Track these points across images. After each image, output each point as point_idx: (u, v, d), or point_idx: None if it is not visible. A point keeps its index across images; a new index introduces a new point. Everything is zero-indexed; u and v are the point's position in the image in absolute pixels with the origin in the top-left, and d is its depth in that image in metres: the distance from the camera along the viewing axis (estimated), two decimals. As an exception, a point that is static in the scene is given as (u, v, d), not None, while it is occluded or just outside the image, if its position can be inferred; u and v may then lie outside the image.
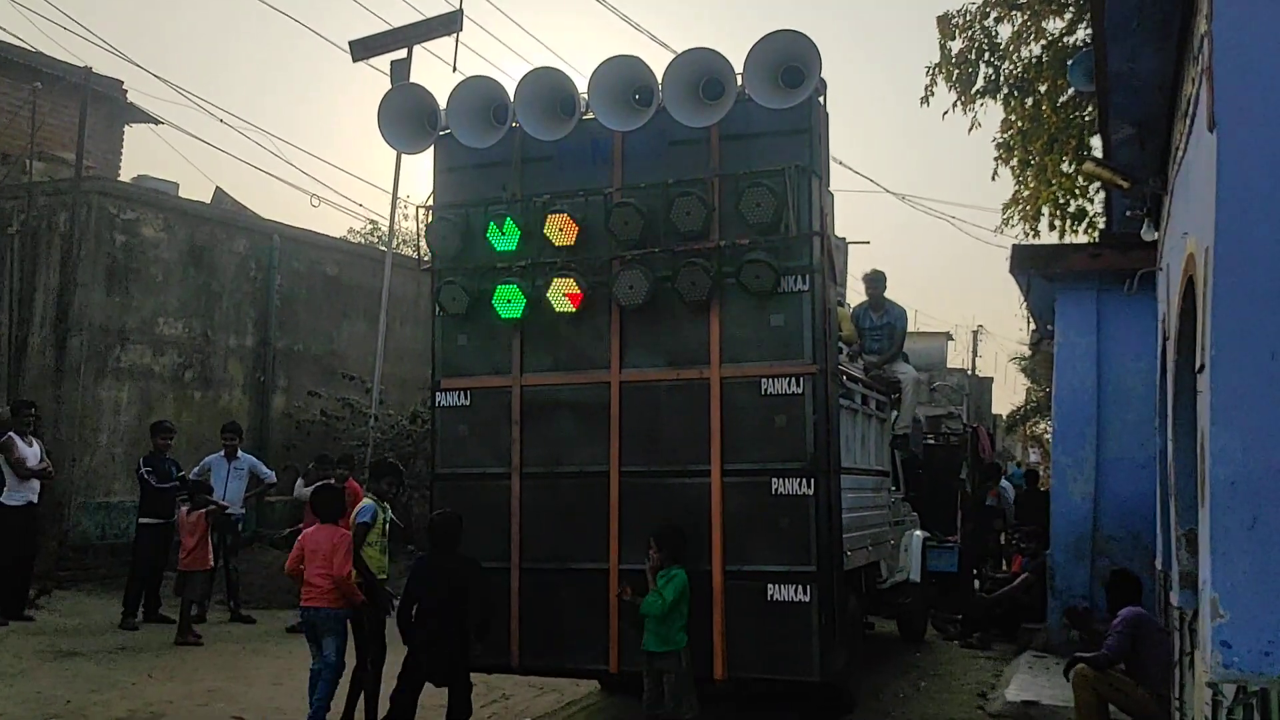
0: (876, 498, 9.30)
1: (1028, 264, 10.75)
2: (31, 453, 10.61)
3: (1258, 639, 4.03)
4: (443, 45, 17.60)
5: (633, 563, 6.52)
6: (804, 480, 6.30)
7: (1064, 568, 10.49)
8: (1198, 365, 4.53)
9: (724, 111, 6.36)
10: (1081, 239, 14.43)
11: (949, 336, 34.37)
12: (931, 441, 14.99)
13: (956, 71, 14.68)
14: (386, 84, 13.59)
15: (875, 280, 11.43)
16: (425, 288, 7.58)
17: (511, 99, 6.74)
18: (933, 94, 14.99)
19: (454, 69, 14.32)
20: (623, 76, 6.53)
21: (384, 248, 16.85)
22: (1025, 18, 14.39)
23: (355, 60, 14.56)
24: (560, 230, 6.72)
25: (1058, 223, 14.84)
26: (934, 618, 12.20)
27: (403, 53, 14.21)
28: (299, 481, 12.34)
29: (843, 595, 6.90)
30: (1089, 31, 12.31)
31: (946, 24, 14.72)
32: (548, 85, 6.72)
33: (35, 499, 10.63)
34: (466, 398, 7.13)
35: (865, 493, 8.76)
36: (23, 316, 13.48)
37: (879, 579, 9.40)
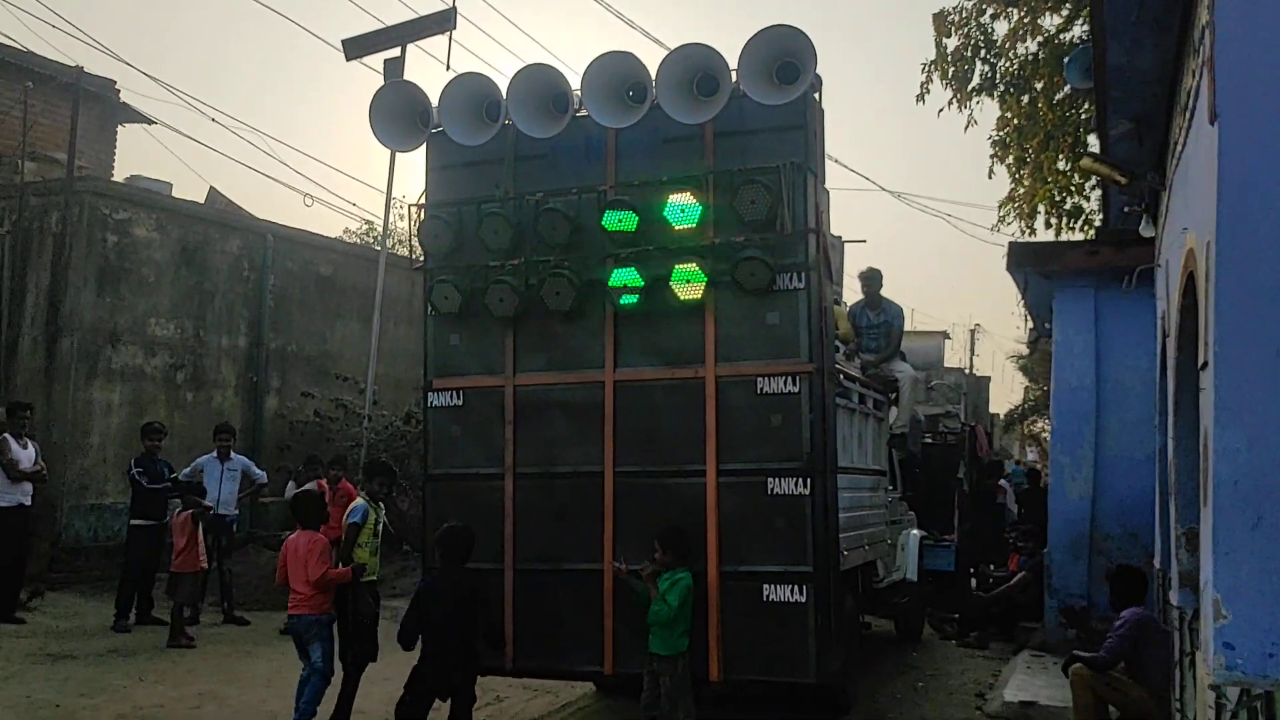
0: (874, 497, 9.25)
1: (1025, 262, 10.71)
2: (26, 455, 10.56)
3: (1262, 641, 3.95)
4: (436, 43, 17.57)
5: (628, 563, 6.46)
6: (800, 480, 6.25)
7: (1061, 566, 10.44)
8: (1200, 362, 4.46)
9: (718, 108, 6.30)
10: (1078, 237, 14.41)
11: (946, 335, 34.23)
12: (929, 440, 14.93)
13: (952, 69, 14.66)
14: (381, 83, 13.51)
15: (871, 278, 11.38)
16: (419, 288, 7.51)
17: (504, 96, 6.67)
18: (929, 91, 14.98)
19: (448, 67, 14.21)
20: (616, 73, 6.47)
21: (379, 248, 16.77)
22: (1021, 14, 14.36)
23: (349, 59, 14.47)
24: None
25: (1054, 220, 14.83)
26: (931, 617, 12.15)
27: (396, 51, 14.14)
28: (290, 484, 12.32)
29: (839, 595, 6.84)
30: (1085, 28, 12.29)
31: (942, 21, 14.70)
32: (541, 82, 6.66)
33: (28, 501, 10.60)
34: (459, 398, 7.06)
35: (862, 492, 8.71)
36: (13, 317, 13.39)
37: (876, 578, 9.35)
